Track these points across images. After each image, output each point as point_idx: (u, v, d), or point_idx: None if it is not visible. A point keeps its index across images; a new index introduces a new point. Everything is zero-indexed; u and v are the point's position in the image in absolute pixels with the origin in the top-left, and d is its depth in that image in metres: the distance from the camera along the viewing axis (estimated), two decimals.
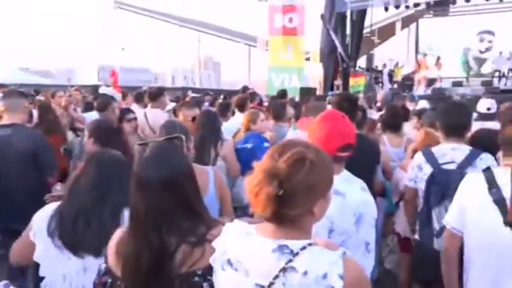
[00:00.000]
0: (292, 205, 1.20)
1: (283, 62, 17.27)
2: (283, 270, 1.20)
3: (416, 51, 23.63)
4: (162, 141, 1.84)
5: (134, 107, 5.75)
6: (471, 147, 2.92)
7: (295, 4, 17.28)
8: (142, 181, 1.49)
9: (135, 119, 4.48)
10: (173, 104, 5.89)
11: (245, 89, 9.03)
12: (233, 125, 5.03)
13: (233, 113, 5.79)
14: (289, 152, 1.23)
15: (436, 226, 2.87)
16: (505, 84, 18.59)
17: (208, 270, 1.41)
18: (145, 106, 5.52)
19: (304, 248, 1.22)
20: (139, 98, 5.96)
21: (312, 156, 1.24)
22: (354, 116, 3.16)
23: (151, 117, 4.95)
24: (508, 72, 19.49)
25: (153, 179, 1.47)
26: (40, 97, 8.43)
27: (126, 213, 1.76)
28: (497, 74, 19.62)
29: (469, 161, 2.81)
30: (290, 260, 1.20)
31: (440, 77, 19.78)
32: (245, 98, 6.05)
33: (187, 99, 8.20)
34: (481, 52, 22.44)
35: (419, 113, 5.12)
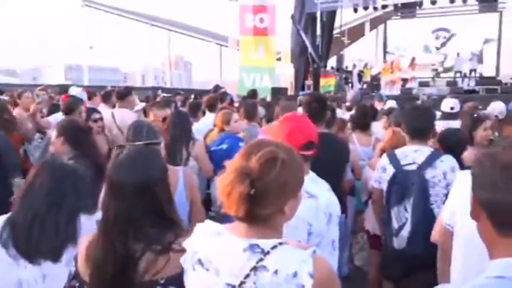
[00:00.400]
0: (264, 204, 1.21)
1: (255, 62, 17.32)
2: (254, 269, 1.21)
3: (385, 52, 24.13)
4: (139, 145, 1.80)
5: (102, 107, 5.61)
6: (432, 149, 3.01)
7: (265, 4, 17.36)
8: (114, 185, 1.47)
9: (101, 119, 4.38)
10: (143, 104, 5.77)
11: (216, 88, 8.99)
12: (204, 125, 4.99)
13: (204, 113, 5.74)
14: (261, 151, 1.23)
15: (395, 225, 2.94)
16: (468, 85, 19.23)
17: (172, 279, 1.40)
18: (113, 106, 5.40)
19: (275, 247, 1.22)
20: (106, 98, 5.79)
21: (283, 155, 1.24)
22: (323, 115, 3.21)
23: (119, 118, 4.84)
24: (470, 73, 20.17)
25: (125, 183, 1.45)
26: (4, 97, 8.15)
27: (83, 219, 1.74)
28: (458, 74, 20.28)
29: (429, 162, 2.90)
30: (261, 259, 1.21)
31: (414, 77, 20.26)
32: (216, 98, 6.02)
33: (158, 99, 8.10)
34: (437, 48, 23.14)
35: (389, 113, 5.23)
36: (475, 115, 3.90)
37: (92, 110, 4.53)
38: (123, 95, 5.14)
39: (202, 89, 18.09)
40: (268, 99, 10.85)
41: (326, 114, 3.23)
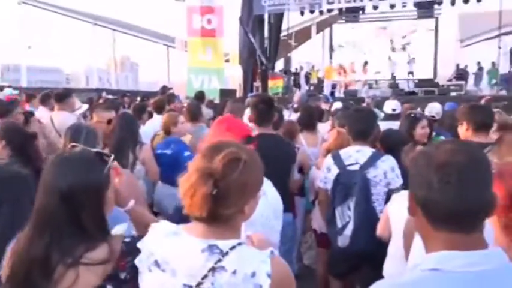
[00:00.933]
0: (227, 204, 1.22)
1: (203, 63, 17.20)
2: (213, 270, 1.21)
3: (331, 55, 24.75)
4: (79, 150, 1.71)
5: (41, 109, 5.35)
6: (373, 150, 3.14)
7: (213, 5, 17.30)
8: (45, 189, 1.40)
9: (38, 121, 4.19)
10: (85, 106, 5.54)
11: (164, 89, 8.85)
12: (151, 127, 4.90)
13: (150, 115, 5.63)
14: (223, 152, 1.25)
15: (338, 224, 3.04)
16: (408, 87, 20.16)
17: None
18: (52, 108, 5.16)
19: (233, 247, 1.23)
20: (45, 100, 5.49)
21: (245, 156, 1.26)
22: (270, 117, 3.25)
23: (57, 121, 4.63)
24: (409, 75, 21.16)
25: (54, 188, 1.38)
26: None
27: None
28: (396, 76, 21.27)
29: (370, 163, 3.02)
30: (219, 260, 1.21)
31: (367, 80, 20.82)
32: (163, 100, 5.93)
33: (101, 100, 7.85)
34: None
35: (336, 114, 5.37)
36: (412, 115, 4.11)
37: (29, 113, 4.32)
38: (62, 97, 4.92)
39: (149, 90, 17.73)
40: (217, 100, 10.84)
41: (273, 116, 3.28)
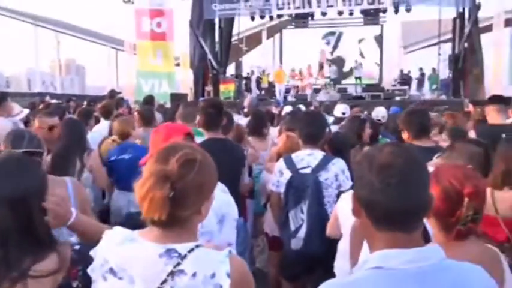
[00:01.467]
0: (185, 206, 1.22)
1: (153, 67, 16.94)
2: (172, 274, 1.20)
3: (281, 59, 25.09)
4: (16, 154, 1.61)
5: None
6: (324, 153, 3.21)
7: (163, 8, 17.10)
8: None
9: None
10: (26, 111, 5.23)
11: (112, 93, 8.59)
12: (98, 133, 4.74)
13: (97, 121, 5.45)
14: (178, 153, 1.24)
15: (292, 227, 3.08)
16: (356, 91, 20.82)
17: None
18: None
19: (192, 250, 1.23)
20: None
21: (200, 157, 1.27)
22: (219, 121, 3.25)
23: None
24: (356, 80, 21.87)
25: None
26: None
27: None
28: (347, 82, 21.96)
29: (322, 166, 3.08)
30: (178, 264, 1.21)
31: (325, 84, 21.11)
32: (111, 104, 5.76)
33: (43, 105, 7.52)
34: (331, 53, 24.81)
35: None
36: (359, 117, 4.27)
37: None
38: None
39: (97, 94, 17.18)
40: (168, 105, 10.68)
41: (222, 120, 3.28)
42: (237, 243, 2.10)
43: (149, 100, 7.33)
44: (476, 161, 2.23)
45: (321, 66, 22.02)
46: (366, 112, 8.19)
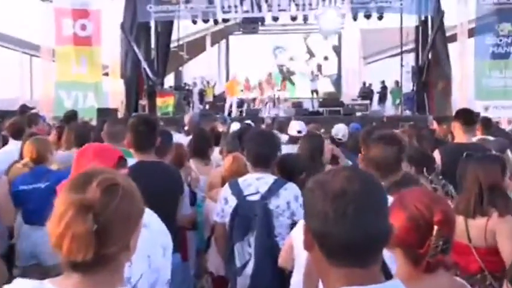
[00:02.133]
0: (112, 241, 1.18)
1: (76, 77, 16.50)
2: None
3: (227, 69, 25.33)
4: None
5: None
6: (276, 177, 3.24)
7: (88, 9, 16.77)
8: None
9: None
10: None
11: (23, 108, 8.28)
12: (5, 156, 4.56)
13: (5, 141, 5.23)
14: (97, 178, 1.21)
15: (237, 263, 3.07)
16: (313, 106, 21.29)
17: None
18: None
19: None
20: None
21: (122, 182, 1.25)
22: (151, 141, 3.21)
23: None
24: (312, 94, 22.43)
25: None
26: None
27: None
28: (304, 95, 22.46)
29: (272, 192, 3.10)
30: None
31: (285, 97, 21.40)
32: (22, 122, 5.56)
33: None
34: (281, 66, 25.43)
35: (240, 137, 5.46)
36: (318, 136, 4.35)
37: None
38: None
39: (6, 109, 16.43)
40: (94, 122, 10.43)
41: (156, 139, 3.24)
42: (174, 287, 2.06)
43: (71, 116, 7.14)
44: None
45: (283, 79, 22.27)
46: (323, 130, 8.38)
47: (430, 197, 1.72)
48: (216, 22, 20.08)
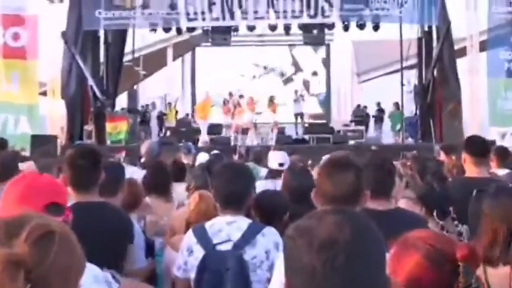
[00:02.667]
0: None
1: (5, 96, 16.34)
2: None
3: (193, 87, 25.41)
4: None
5: None
6: (251, 221, 3.21)
7: (23, 14, 16.71)
8: None
9: None
10: None
11: None
12: None
13: None
14: (26, 227, 1.19)
15: None
16: (297, 133, 21.38)
17: None
18: None
19: None
20: None
21: (57, 228, 1.23)
22: (95, 177, 3.17)
23: None
24: (296, 118, 22.38)
25: None
26: None
27: None
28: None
29: (247, 239, 3.07)
30: None
31: (277, 123, 20.97)
32: None
33: None
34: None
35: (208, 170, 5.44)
36: (304, 169, 4.35)
37: None
38: None
39: None
40: (27, 152, 10.28)
41: (99, 175, 3.20)
42: None
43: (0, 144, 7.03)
44: None
45: (271, 99, 21.78)
46: (310, 162, 8.40)
47: (443, 236, 1.71)
48: (179, 31, 20.21)
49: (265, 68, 25.93)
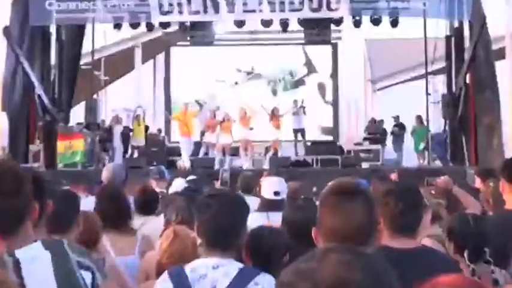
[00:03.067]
0: None
1: None
2: None
3: (168, 96, 25.33)
4: None
5: None
6: (242, 265, 3.20)
7: None
8: None
9: None
10: None
11: None
12: None
13: None
14: None
15: None
16: (296, 154, 21.24)
17: None
18: None
19: None
20: None
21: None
22: (40, 208, 3.09)
23: None
24: (296, 134, 22.03)
25: None
26: None
27: None
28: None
29: (237, 286, 3.06)
30: None
31: (278, 140, 20.97)
32: None
33: None
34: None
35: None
36: (308, 200, 4.33)
37: None
38: None
39: None
40: None
41: (48, 207, 3.14)
42: None
43: None
44: None
45: (273, 111, 21.34)
46: (314, 189, 8.35)
47: (479, 285, 1.71)
48: (150, 28, 20.20)
49: (250, 73, 25.78)
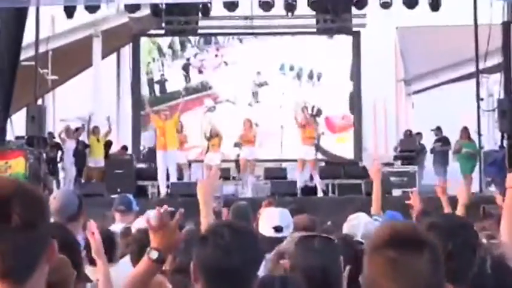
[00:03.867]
0: None
1: None
2: None
3: (137, 96, 25.36)
4: None
5: None
6: None
7: None
8: None
9: None
10: None
11: None
12: None
13: None
14: None
15: None
16: (306, 180, 21.18)
17: None
18: None
19: None
20: None
21: None
22: None
23: None
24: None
25: None
26: None
27: None
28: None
29: None
30: None
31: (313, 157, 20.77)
32: None
33: None
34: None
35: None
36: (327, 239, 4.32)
37: None
38: None
39: None
40: None
41: (50, 244, 3.13)
42: None
43: None
44: None
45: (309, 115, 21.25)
46: (329, 223, 8.34)
47: None
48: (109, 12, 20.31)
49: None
